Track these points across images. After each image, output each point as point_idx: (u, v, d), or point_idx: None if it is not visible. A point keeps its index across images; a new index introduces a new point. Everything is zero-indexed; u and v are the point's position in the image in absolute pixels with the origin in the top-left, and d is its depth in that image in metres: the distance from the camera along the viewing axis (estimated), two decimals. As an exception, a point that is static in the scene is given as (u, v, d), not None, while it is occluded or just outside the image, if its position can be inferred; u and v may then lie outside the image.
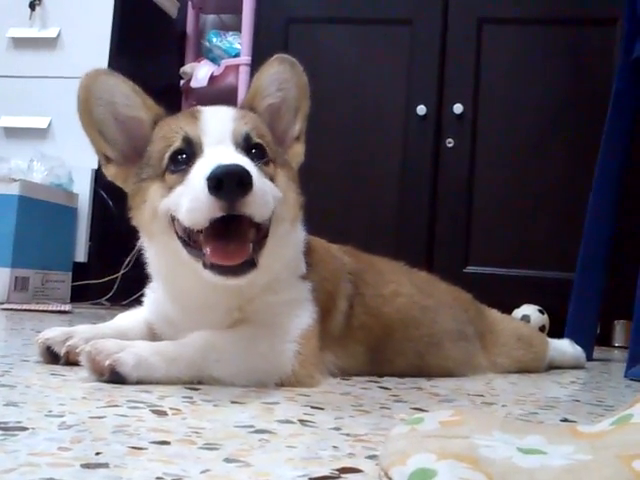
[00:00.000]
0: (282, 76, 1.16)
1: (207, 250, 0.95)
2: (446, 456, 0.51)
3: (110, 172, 1.14)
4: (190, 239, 0.99)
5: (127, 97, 1.12)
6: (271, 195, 0.99)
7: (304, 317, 1.10)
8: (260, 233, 1.00)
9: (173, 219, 1.01)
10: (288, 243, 1.10)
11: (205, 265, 0.96)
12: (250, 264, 0.95)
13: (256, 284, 1.05)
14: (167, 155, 1.03)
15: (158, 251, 1.10)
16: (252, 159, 1.01)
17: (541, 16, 2.76)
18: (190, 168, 0.99)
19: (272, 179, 1.04)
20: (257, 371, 1.01)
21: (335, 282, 1.22)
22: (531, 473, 0.50)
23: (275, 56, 1.16)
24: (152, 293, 1.21)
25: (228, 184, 0.90)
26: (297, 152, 1.19)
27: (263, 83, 1.16)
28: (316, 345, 1.10)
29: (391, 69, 2.83)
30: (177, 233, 1.01)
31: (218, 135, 1.02)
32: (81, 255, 2.92)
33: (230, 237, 0.95)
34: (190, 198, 0.95)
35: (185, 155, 1.02)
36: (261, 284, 1.07)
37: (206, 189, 0.91)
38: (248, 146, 1.03)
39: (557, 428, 0.76)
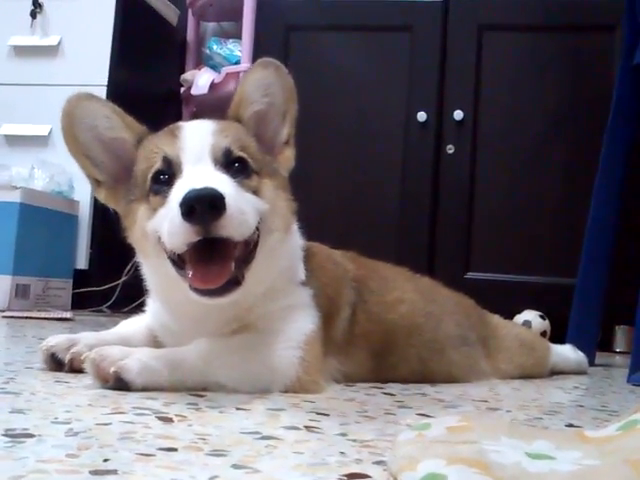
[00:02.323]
0: (267, 81, 1.13)
1: (189, 273, 0.95)
2: (455, 461, 0.51)
3: (101, 196, 1.14)
4: (178, 259, 0.99)
5: (108, 119, 1.11)
6: (252, 211, 0.98)
7: (306, 323, 1.10)
8: (247, 247, 1.00)
9: (160, 239, 1.00)
10: (281, 252, 1.09)
11: (190, 286, 0.96)
12: (234, 283, 0.95)
13: (250, 295, 1.05)
14: (149, 176, 1.03)
15: (151, 269, 1.11)
16: (233, 174, 1.00)
17: (541, 23, 2.77)
18: (171, 189, 0.98)
19: (256, 192, 1.03)
20: (261, 377, 1.01)
21: (337, 288, 1.21)
22: (540, 478, 0.50)
23: (258, 61, 1.14)
24: (152, 303, 1.21)
25: (200, 209, 0.90)
26: (287, 157, 1.16)
27: (247, 90, 1.14)
28: (319, 351, 1.10)
29: (391, 76, 2.84)
30: (166, 252, 1.00)
31: (197, 153, 1.01)
32: (82, 262, 2.92)
33: (212, 259, 0.95)
34: (168, 222, 0.95)
35: (166, 175, 1.01)
36: (256, 294, 1.07)
37: (179, 215, 0.91)
38: (228, 161, 1.02)
39: (564, 433, 0.76)
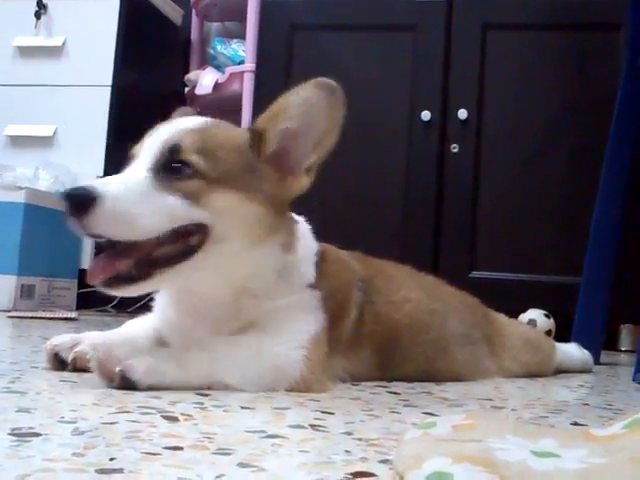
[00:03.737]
0: (314, 102, 1.08)
1: None
2: (461, 459, 0.51)
3: None
4: None
5: None
6: (160, 214, 0.98)
7: (312, 323, 1.10)
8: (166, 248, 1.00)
9: None
10: (243, 261, 1.07)
11: None
12: (124, 279, 0.98)
13: (218, 299, 1.08)
14: None
15: None
16: (168, 174, 1.00)
17: (545, 21, 2.76)
18: None
19: (193, 197, 1.00)
20: (266, 377, 1.01)
21: (346, 292, 1.21)
22: (546, 476, 0.50)
23: (315, 80, 1.09)
24: (160, 298, 1.22)
25: (69, 206, 0.94)
26: (300, 183, 1.11)
27: (288, 105, 1.09)
28: (324, 351, 1.10)
29: (395, 75, 2.84)
30: None
31: (147, 148, 1.03)
32: (87, 262, 2.93)
33: (113, 255, 0.99)
34: None
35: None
36: (227, 299, 1.08)
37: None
38: (170, 160, 1.01)
39: (569, 432, 0.76)
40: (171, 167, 1.01)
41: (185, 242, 1.02)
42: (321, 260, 1.18)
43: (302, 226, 1.21)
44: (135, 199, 0.97)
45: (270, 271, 1.10)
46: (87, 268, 1.01)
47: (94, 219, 0.94)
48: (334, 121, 1.09)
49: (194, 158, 1.01)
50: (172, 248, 1.01)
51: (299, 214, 1.23)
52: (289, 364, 1.04)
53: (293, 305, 1.11)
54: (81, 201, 0.94)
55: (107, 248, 1.00)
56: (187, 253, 1.02)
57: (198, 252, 1.02)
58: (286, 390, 1.02)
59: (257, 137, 1.09)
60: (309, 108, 1.08)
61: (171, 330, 1.16)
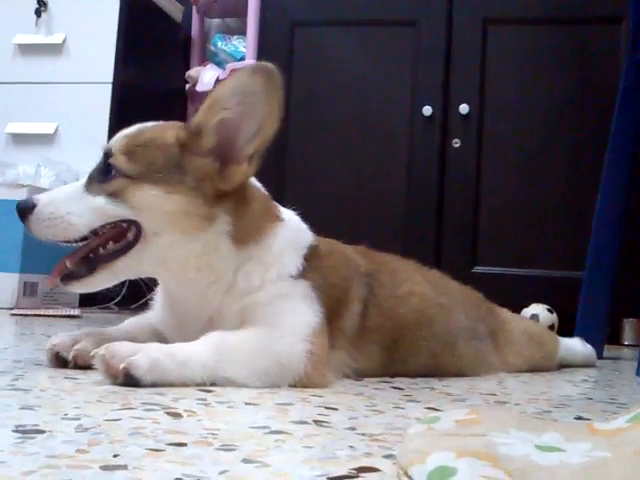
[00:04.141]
0: (250, 89, 1.07)
1: None
2: (465, 454, 0.51)
3: None
4: None
5: None
6: (86, 213, 1.08)
7: (310, 315, 1.10)
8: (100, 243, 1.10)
9: None
10: (184, 251, 1.10)
11: None
12: (69, 277, 1.11)
13: (189, 290, 1.13)
14: None
15: None
16: (102, 176, 1.10)
17: (546, 16, 2.76)
18: None
19: (115, 195, 1.08)
20: (270, 372, 1.01)
21: (345, 286, 1.21)
22: (550, 471, 0.50)
23: (251, 64, 1.10)
24: (157, 295, 1.25)
25: (18, 214, 1.09)
26: (240, 171, 1.10)
27: (222, 95, 1.09)
28: (326, 344, 1.11)
29: (396, 70, 2.84)
30: None
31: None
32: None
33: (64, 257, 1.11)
34: None
35: None
36: (188, 286, 1.12)
37: None
38: (105, 163, 1.11)
39: (573, 425, 0.76)
40: (106, 168, 1.10)
41: (123, 238, 1.10)
42: (313, 253, 1.18)
43: (290, 219, 1.21)
44: (65, 202, 1.09)
45: (217, 260, 1.11)
46: None
47: (33, 223, 1.08)
48: (273, 106, 1.07)
49: (119, 159, 1.09)
50: (112, 245, 1.10)
51: (292, 209, 1.25)
52: (293, 359, 1.04)
53: (280, 295, 1.11)
54: (22, 209, 1.08)
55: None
56: (125, 248, 1.10)
57: (134, 247, 1.09)
58: (290, 385, 1.02)
59: (193, 132, 1.10)
60: (245, 96, 1.07)
61: (165, 327, 1.19)
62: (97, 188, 1.09)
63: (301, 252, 1.17)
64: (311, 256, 1.18)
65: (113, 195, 1.07)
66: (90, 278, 1.10)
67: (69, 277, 1.10)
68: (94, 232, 1.09)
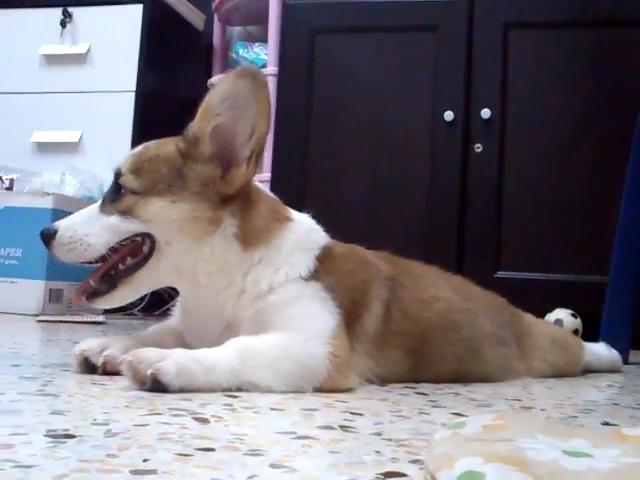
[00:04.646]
0: (238, 93, 1.10)
1: None
2: (492, 459, 0.51)
3: None
4: None
5: None
6: (103, 232, 1.13)
7: (327, 317, 1.11)
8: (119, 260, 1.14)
9: None
10: (196, 257, 1.13)
11: None
12: (93, 294, 1.16)
13: (204, 296, 1.16)
14: None
15: None
16: (113, 196, 1.15)
17: (567, 19, 2.74)
18: None
19: (127, 212, 1.12)
20: (294, 375, 1.02)
21: (364, 290, 1.21)
22: (578, 476, 0.50)
23: (235, 69, 1.13)
24: (179, 302, 1.27)
25: (43, 242, 1.15)
26: (240, 174, 1.13)
27: (212, 103, 1.12)
28: (347, 345, 1.11)
29: (417, 75, 2.83)
30: None
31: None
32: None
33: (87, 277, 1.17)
34: None
35: None
36: (210, 295, 1.15)
37: None
38: (115, 184, 1.15)
39: (600, 431, 0.75)
40: (117, 189, 1.14)
41: (139, 252, 1.14)
42: (327, 254, 1.19)
43: (300, 220, 1.23)
44: (82, 225, 1.14)
45: (226, 264, 1.14)
46: None
47: (55, 249, 1.14)
48: (262, 105, 1.11)
49: (128, 178, 1.13)
50: (130, 260, 1.14)
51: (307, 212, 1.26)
52: (316, 362, 1.04)
53: (291, 298, 1.12)
54: (45, 237, 1.14)
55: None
56: (142, 261, 1.14)
57: (150, 259, 1.13)
58: (314, 388, 1.03)
59: (191, 142, 1.14)
60: (234, 100, 1.11)
61: (186, 333, 1.22)
62: (110, 208, 1.14)
63: (312, 253, 1.18)
64: (324, 257, 1.18)
65: (125, 212, 1.12)
66: (112, 294, 1.15)
67: (93, 294, 1.16)
68: (112, 250, 1.13)
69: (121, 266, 1.15)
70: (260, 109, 1.11)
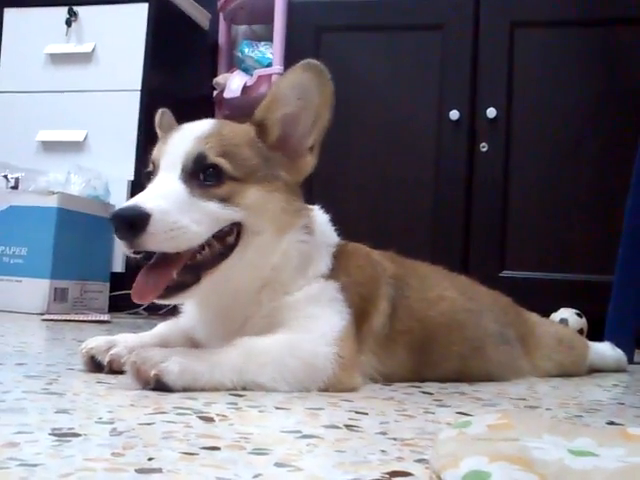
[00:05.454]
0: (305, 84, 1.14)
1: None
2: (498, 458, 0.51)
3: None
4: None
5: None
6: (205, 221, 1.02)
7: (337, 319, 1.11)
8: (212, 251, 1.06)
9: None
10: (274, 250, 1.12)
11: None
12: (176, 288, 1.03)
13: (240, 291, 1.12)
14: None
15: None
16: (202, 182, 1.04)
17: (573, 18, 2.73)
18: None
19: (228, 199, 1.05)
20: (299, 375, 1.02)
21: (372, 286, 1.22)
22: (584, 475, 0.50)
23: (301, 62, 1.15)
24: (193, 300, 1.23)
25: (120, 227, 0.97)
26: (306, 162, 1.17)
27: (282, 91, 1.15)
28: (353, 347, 1.11)
29: (423, 74, 2.83)
30: None
31: (171, 158, 1.07)
32: (118, 265, 2.96)
33: (155, 269, 1.02)
34: None
35: (153, 177, 1.08)
36: (247, 289, 1.12)
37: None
38: (200, 168, 1.05)
39: (606, 430, 0.75)
40: (200, 174, 1.05)
41: (224, 242, 1.08)
42: (340, 253, 1.20)
43: (319, 215, 1.24)
44: (181, 211, 1.01)
45: (296, 256, 1.14)
46: (132, 289, 1.04)
47: (148, 237, 0.97)
48: (325, 97, 1.14)
49: (221, 162, 1.06)
50: (213, 250, 1.06)
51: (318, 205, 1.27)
52: (321, 361, 1.04)
53: (310, 297, 1.12)
54: (133, 222, 0.96)
55: (144, 262, 1.03)
56: (226, 252, 1.07)
57: (235, 249, 1.08)
58: (320, 388, 1.03)
59: (260, 128, 1.14)
60: (301, 90, 1.14)
61: (200, 330, 1.19)
62: (204, 193, 1.04)
63: (330, 250, 1.19)
64: (339, 254, 1.19)
65: (225, 200, 1.05)
66: (196, 287, 1.05)
67: (171, 290, 1.03)
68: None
69: (199, 256, 1.05)
70: (324, 100, 1.14)
